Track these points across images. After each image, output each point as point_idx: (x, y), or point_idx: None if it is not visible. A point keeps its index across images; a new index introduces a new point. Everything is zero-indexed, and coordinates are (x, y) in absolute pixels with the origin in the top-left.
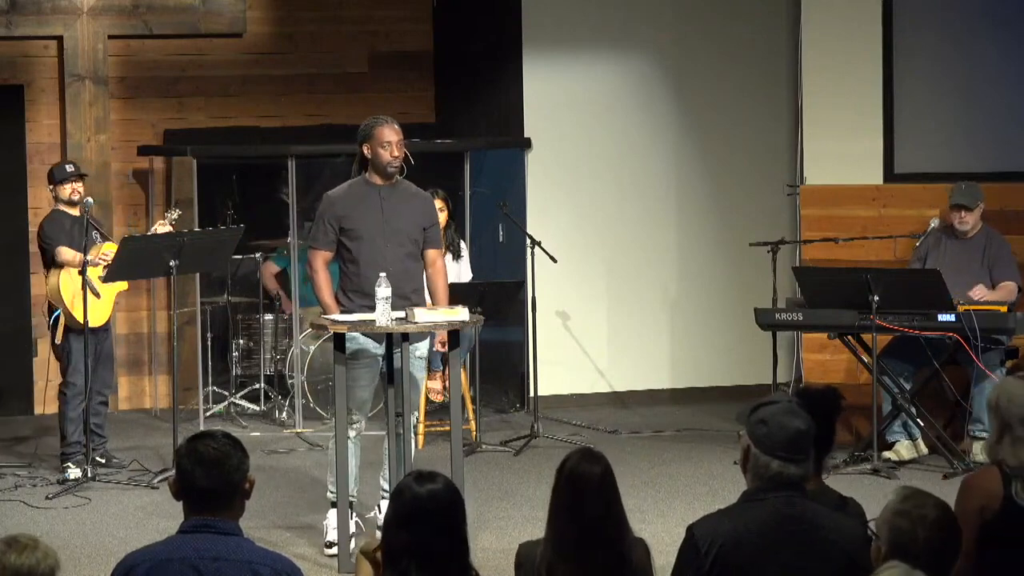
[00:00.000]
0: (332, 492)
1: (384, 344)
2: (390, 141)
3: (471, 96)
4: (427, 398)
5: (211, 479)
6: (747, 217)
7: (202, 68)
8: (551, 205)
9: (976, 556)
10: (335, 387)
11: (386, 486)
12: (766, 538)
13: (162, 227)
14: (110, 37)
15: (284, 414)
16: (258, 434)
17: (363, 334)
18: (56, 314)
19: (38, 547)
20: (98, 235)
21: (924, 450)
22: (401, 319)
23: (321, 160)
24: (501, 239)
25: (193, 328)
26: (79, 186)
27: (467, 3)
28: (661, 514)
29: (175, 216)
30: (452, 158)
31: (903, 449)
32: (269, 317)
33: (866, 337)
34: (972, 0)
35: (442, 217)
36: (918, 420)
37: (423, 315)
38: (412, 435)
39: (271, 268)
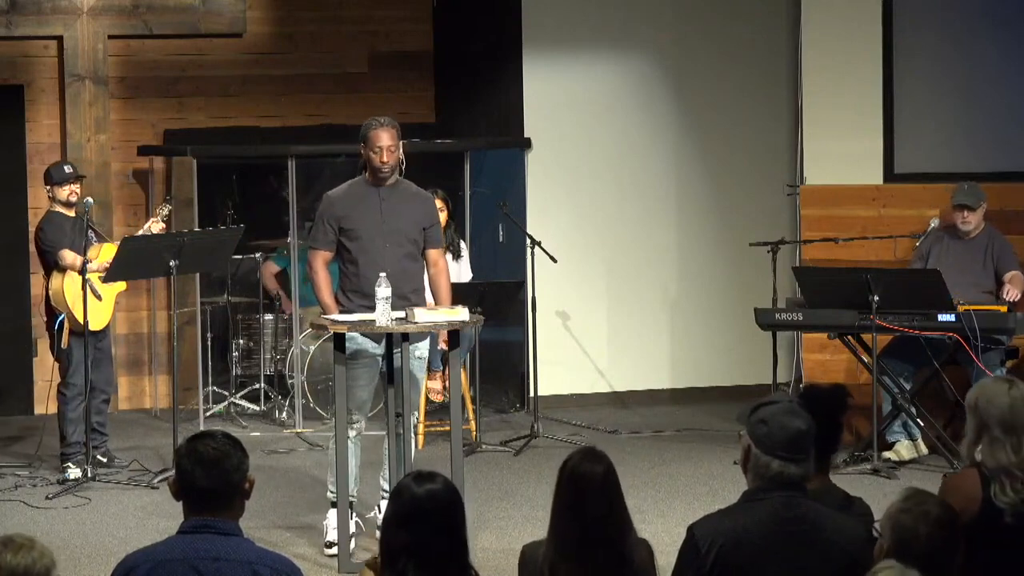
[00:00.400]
0: (332, 492)
1: (383, 344)
2: (380, 146)
3: (471, 96)
4: (427, 398)
5: (211, 479)
6: (747, 217)
7: (202, 68)
8: (551, 205)
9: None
10: (335, 387)
11: (386, 486)
12: (767, 538)
13: (155, 225)
14: (110, 37)
15: (284, 414)
16: (258, 434)
17: (362, 334)
18: (60, 319)
19: (34, 547)
20: (94, 235)
21: (924, 450)
22: (401, 319)
23: (321, 160)
24: (501, 239)
25: (193, 328)
26: (77, 187)
27: (467, 3)
28: (661, 514)
29: (166, 212)
30: (452, 158)
31: (903, 449)
32: (269, 317)
33: (866, 337)
34: (972, 0)
35: (442, 217)
36: (918, 420)
37: (423, 315)
38: (412, 435)
39: (271, 268)
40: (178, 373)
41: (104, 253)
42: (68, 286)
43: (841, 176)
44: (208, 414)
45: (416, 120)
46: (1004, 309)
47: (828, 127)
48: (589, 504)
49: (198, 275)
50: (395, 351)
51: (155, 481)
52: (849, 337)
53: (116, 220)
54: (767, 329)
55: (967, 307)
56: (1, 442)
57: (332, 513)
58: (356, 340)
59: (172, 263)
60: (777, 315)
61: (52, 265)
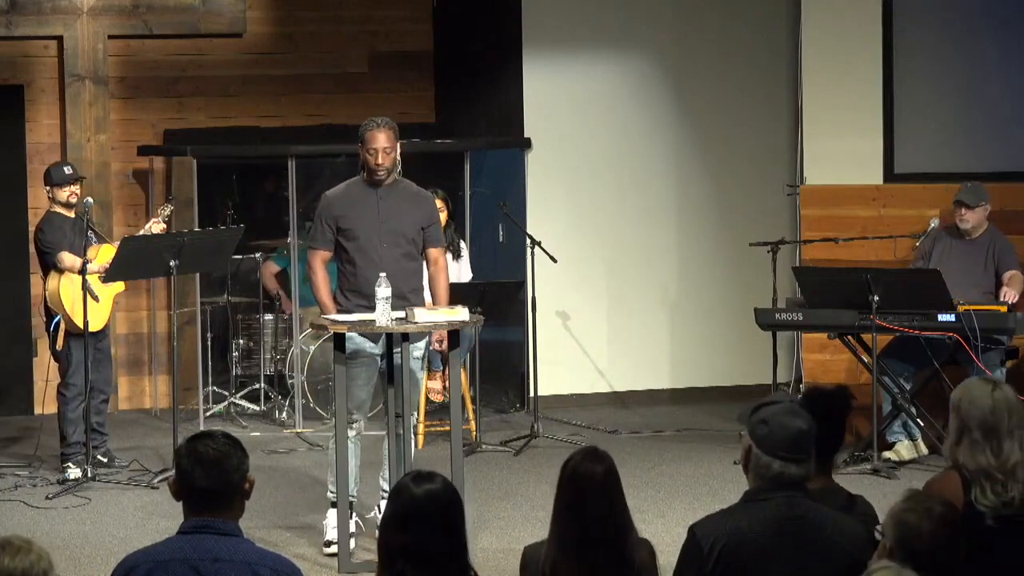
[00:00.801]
0: (332, 492)
1: (382, 344)
2: (376, 148)
3: (471, 96)
4: (427, 398)
5: (211, 479)
6: (747, 217)
7: (202, 68)
8: (551, 205)
9: None
10: (335, 387)
11: (386, 486)
12: (769, 538)
13: (156, 225)
14: (110, 37)
15: (284, 414)
16: (258, 434)
17: (360, 334)
18: (56, 320)
19: (32, 550)
20: (94, 236)
21: (924, 450)
22: (401, 319)
23: (321, 160)
24: (501, 239)
25: (193, 328)
26: (77, 188)
27: (467, 3)
28: (661, 514)
29: (168, 212)
30: (452, 158)
31: (903, 449)
32: (269, 317)
33: (866, 337)
34: (972, 0)
35: (442, 217)
36: (918, 420)
37: (423, 315)
38: (412, 435)
39: (271, 268)
40: (178, 373)
41: (103, 254)
42: (65, 287)
43: (841, 176)
44: (208, 414)
45: (416, 120)
46: (1004, 309)
47: (828, 127)
48: (589, 504)
49: (198, 275)
50: (395, 351)
51: (155, 481)
52: (849, 337)
53: (116, 220)
54: (767, 329)
55: (967, 307)
56: (1, 442)
57: (332, 513)
58: (354, 340)
59: (172, 263)
60: (777, 315)
61: (50, 266)
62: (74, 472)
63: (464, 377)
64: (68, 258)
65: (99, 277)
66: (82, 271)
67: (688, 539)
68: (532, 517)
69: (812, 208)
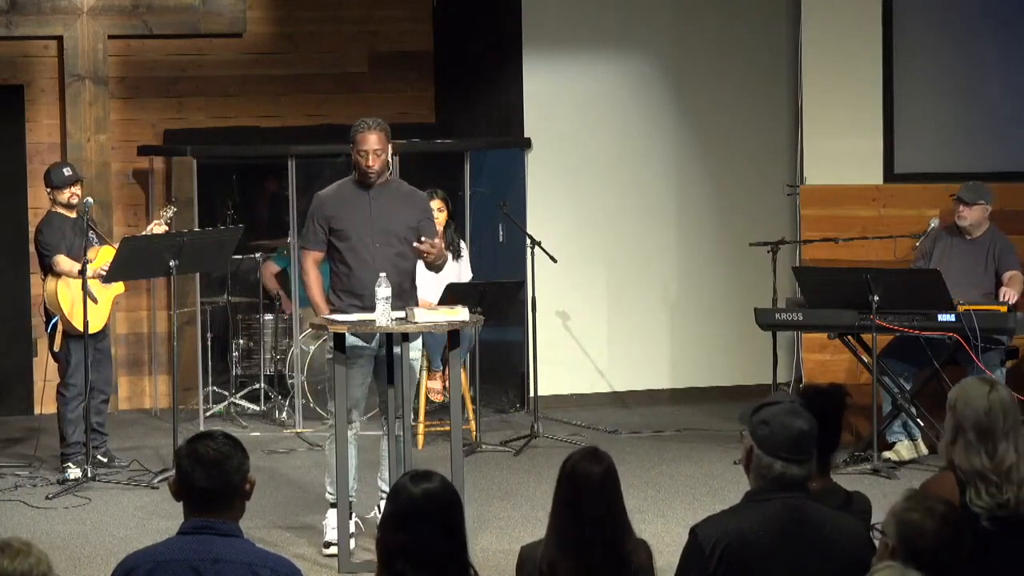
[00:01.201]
0: (330, 493)
1: (375, 342)
2: (367, 150)
3: (471, 96)
4: (427, 398)
5: (211, 480)
6: (747, 217)
7: (202, 68)
8: (551, 205)
9: None
10: (335, 387)
11: (384, 487)
12: (771, 539)
13: (158, 226)
14: (110, 37)
15: (284, 414)
16: (258, 434)
17: (352, 333)
18: (54, 321)
19: (31, 552)
20: (95, 237)
21: (924, 450)
22: (401, 319)
23: (321, 160)
24: (501, 239)
25: (193, 328)
26: (77, 189)
27: (467, 3)
28: (661, 514)
29: (171, 214)
30: (452, 158)
31: (903, 449)
32: (269, 317)
33: (866, 337)
34: (972, 0)
35: (442, 217)
36: (918, 420)
37: (423, 315)
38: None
39: (271, 268)
40: (178, 373)
41: (103, 256)
42: (62, 289)
43: (841, 176)
44: (208, 414)
45: (416, 120)
46: (1004, 309)
47: (828, 127)
48: (587, 504)
49: (198, 275)
50: (395, 349)
51: (155, 481)
52: (849, 337)
53: (116, 220)
54: (767, 329)
55: (967, 307)
56: (1, 442)
57: (332, 513)
58: (347, 339)
59: (172, 263)
60: (777, 315)
61: (48, 267)
62: (74, 472)
63: (464, 377)
64: (65, 262)
65: (98, 279)
66: (82, 272)
67: (690, 540)
68: (532, 517)
69: (812, 208)
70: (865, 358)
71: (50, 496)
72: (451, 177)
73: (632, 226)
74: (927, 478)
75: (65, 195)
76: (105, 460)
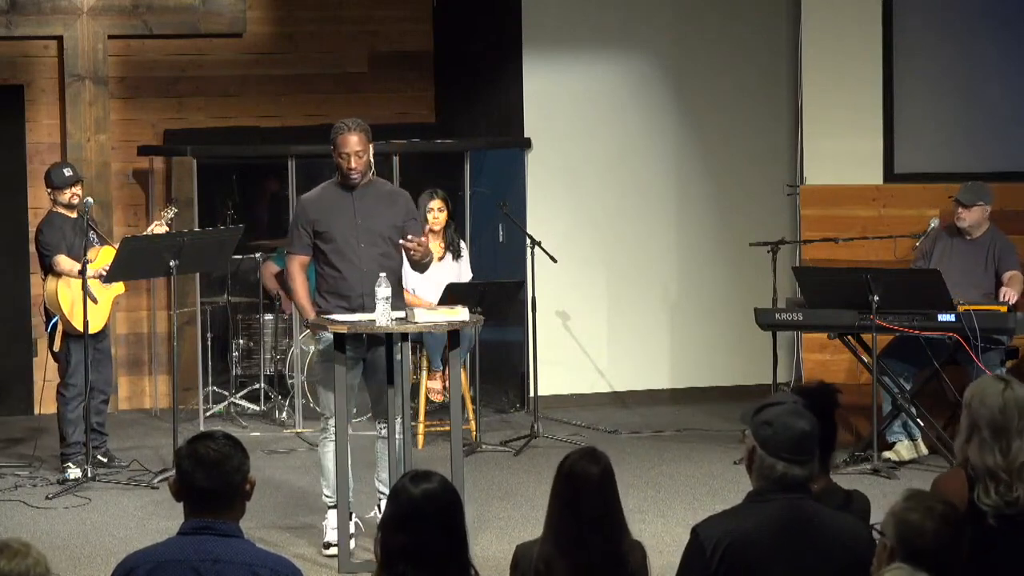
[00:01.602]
0: (327, 496)
1: (364, 343)
2: (348, 152)
3: (471, 96)
4: (427, 398)
5: (211, 480)
6: (747, 217)
7: (202, 68)
8: (551, 205)
9: None
10: (335, 387)
11: (383, 488)
12: (772, 539)
13: (159, 227)
14: (110, 37)
15: (284, 414)
16: (258, 434)
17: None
18: (54, 321)
19: (29, 553)
20: (96, 237)
21: (924, 450)
22: (401, 319)
23: (321, 160)
24: (501, 239)
25: (193, 328)
26: (78, 190)
27: (467, 3)
28: (661, 514)
29: (171, 215)
30: (452, 158)
31: (903, 449)
32: (269, 317)
33: (866, 337)
34: (972, 0)
35: (442, 217)
36: (918, 420)
37: (423, 315)
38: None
39: (271, 268)
40: (178, 373)
41: (103, 256)
42: (62, 289)
43: (841, 176)
44: (208, 414)
45: (416, 120)
46: (1004, 309)
47: (828, 127)
48: (584, 504)
49: (198, 275)
50: (369, 353)
51: (155, 481)
52: (849, 337)
53: (116, 220)
54: (767, 329)
55: (967, 307)
56: (1, 442)
57: (332, 513)
58: (328, 340)
59: (172, 263)
60: (777, 315)
61: (48, 267)
62: (74, 472)
63: (464, 377)
64: (65, 262)
65: (99, 279)
66: (82, 272)
67: (691, 540)
68: (532, 517)
69: (812, 208)
70: (865, 358)
71: (50, 496)
72: (451, 177)
73: (632, 226)
74: (939, 475)
75: (65, 195)
76: (105, 460)
